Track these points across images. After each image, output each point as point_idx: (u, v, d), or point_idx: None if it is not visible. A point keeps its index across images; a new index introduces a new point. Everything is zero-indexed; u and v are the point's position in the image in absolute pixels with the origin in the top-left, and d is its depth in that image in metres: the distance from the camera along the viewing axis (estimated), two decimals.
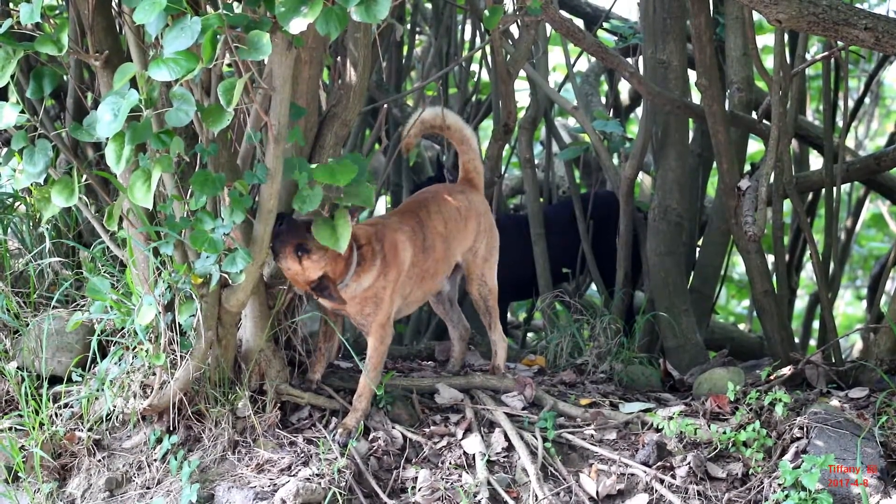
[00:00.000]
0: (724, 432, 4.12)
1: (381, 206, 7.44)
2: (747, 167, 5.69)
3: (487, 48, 6.04)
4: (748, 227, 4.56)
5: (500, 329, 4.60)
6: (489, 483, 4.05)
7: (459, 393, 4.42)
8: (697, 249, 5.93)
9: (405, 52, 7.05)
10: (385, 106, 4.99)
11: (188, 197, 3.90)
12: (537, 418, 4.30)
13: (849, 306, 11.08)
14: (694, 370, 4.95)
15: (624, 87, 7.52)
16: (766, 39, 7.99)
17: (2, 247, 4.70)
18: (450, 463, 4.15)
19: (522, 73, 5.66)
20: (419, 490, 4.05)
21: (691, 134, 5.81)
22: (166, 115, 3.64)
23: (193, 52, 3.52)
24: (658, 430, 4.21)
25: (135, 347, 4.19)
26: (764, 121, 5.31)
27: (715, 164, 5.21)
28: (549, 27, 5.83)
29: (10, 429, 4.30)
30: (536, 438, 4.21)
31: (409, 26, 7.13)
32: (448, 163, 6.67)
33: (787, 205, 5.55)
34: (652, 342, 5.53)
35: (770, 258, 5.23)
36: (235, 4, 3.74)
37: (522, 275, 5.89)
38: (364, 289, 4.15)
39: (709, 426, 4.17)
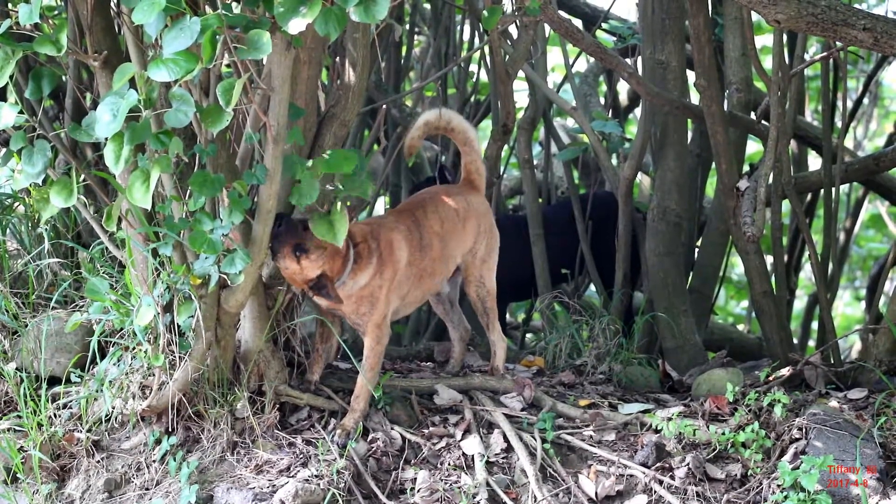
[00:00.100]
0: (723, 433, 4.12)
1: (381, 206, 7.44)
2: (746, 168, 5.69)
3: (486, 48, 6.04)
4: (747, 228, 4.56)
5: (499, 330, 4.60)
6: (488, 484, 4.05)
7: (458, 394, 4.42)
8: (696, 250, 5.93)
9: (404, 53, 7.05)
10: (384, 106, 5.01)
11: (187, 197, 3.90)
12: (536, 419, 4.30)
13: (847, 307, 11.09)
14: (693, 371, 4.94)
15: (623, 88, 7.52)
16: (764, 40, 7.99)
17: (1, 247, 4.69)
18: (449, 464, 4.15)
19: (521, 73, 5.66)
20: (418, 491, 4.05)
21: (690, 134, 5.81)
22: (165, 115, 3.64)
23: (192, 53, 3.52)
24: (657, 431, 4.21)
25: (134, 348, 4.18)
26: (762, 121, 5.32)
27: (714, 165, 5.21)
28: (547, 27, 5.83)
29: (8, 430, 4.29)
30: (535, 439, 4.20)
31: (407, 27, 7.13)
32: (448, 163, 6.68)
33: (785, 205, 5.55)
34: (651, 343, 5.52)
35: (769, 259, 5.23)
36: (234, 5, 3.73)
37: (521, 275, 5.89)
38: (360, 287, 4.16)
39: (708, 427, 4.17)
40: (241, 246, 3.91)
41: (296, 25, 3.46)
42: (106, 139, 3.68)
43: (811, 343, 7.62)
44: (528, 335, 7.31)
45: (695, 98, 5.48)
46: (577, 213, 5.91)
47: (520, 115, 6.21)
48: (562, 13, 5.25)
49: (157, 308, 4.02)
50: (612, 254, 5.64)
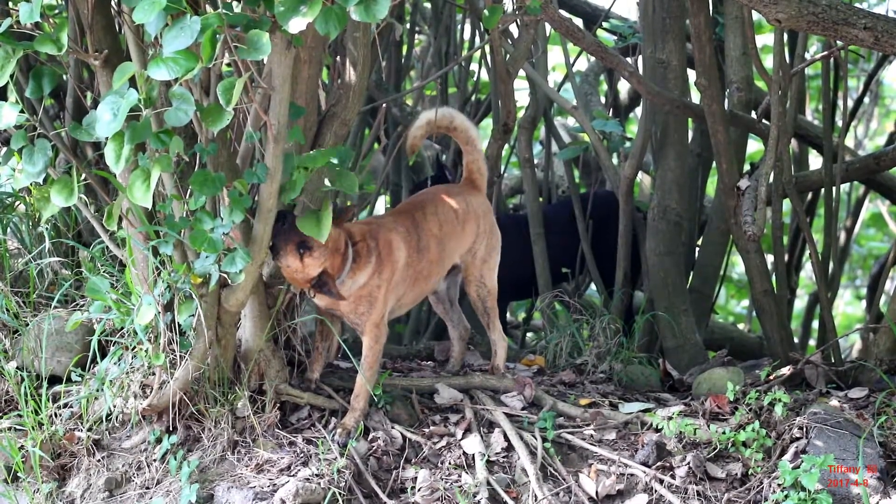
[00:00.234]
0: (724, 432, 4.12)
1: (381, 205, 7.44)
2: (747, 167, 5.69)
3: (487, 47, 6.03)
4: (747, 227, 4.56)
5: (500, 329, 4.60)
6: (488, 483, 4.05)
7: (459, 393, 4.42)
8: (697, 249, 5.93)
9: (405, 52, 7.05)
10: (384, 105, 5.01)
11: (187, 196, 3.90)
12: (537, 418, 4.29)
13: (848, 306, 11.08)
14: (693, 370, 4.94)
15: (623, 87, 7.51)
16: (765, 39, 7.99)
17: (1, 246, 4.69)
18: (449, 463, 4.15)
19: (522, 72, 5.66)
20: (419, 490, 4.05)
21: (691, 133, 5.81)
22: (165, 114, 3.64)
23: (193, 52, 3.52)
24: (657, 431, 4.21)
25: (134, 347, 4.18)
26: (763, 120, 5.31)
27: (714, 164, 5.20)
28: (548, 26, 5.82)
29: (9, 429, 4.30)
30: (536, 438, 4.20)
31: (408, 26, 7.13)
32: (448, 162, 6.68)
33: (786, 204, 5.55)
34: (651, 342, 5.52)
35: (769, 258, 5.23)
36: (235, 4, 3.74)
37: (522, 274, 5.89)
38: (359, 286, 4.16)
39: (708, 426, 4.17)
40: (242, 245, 3.91)
41: (296, 24, 3.46)
42: (106, 138, 3.68)
43: (812, 342, 7.61)
44: (529, 334, 7.31)
45: (695, 97, 5.48)
46: (577, 212, 5.91)
47: (520, 114, 6.21)
48: (562, 12, 5.25)
49: (157, 307, 4.02)
50: (613, 253, 5.64)
